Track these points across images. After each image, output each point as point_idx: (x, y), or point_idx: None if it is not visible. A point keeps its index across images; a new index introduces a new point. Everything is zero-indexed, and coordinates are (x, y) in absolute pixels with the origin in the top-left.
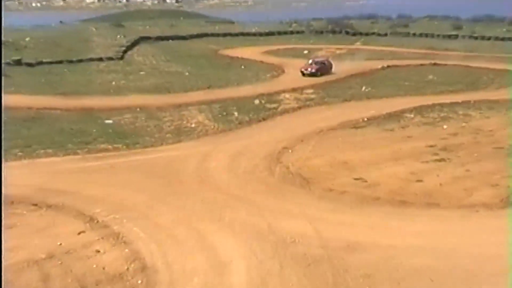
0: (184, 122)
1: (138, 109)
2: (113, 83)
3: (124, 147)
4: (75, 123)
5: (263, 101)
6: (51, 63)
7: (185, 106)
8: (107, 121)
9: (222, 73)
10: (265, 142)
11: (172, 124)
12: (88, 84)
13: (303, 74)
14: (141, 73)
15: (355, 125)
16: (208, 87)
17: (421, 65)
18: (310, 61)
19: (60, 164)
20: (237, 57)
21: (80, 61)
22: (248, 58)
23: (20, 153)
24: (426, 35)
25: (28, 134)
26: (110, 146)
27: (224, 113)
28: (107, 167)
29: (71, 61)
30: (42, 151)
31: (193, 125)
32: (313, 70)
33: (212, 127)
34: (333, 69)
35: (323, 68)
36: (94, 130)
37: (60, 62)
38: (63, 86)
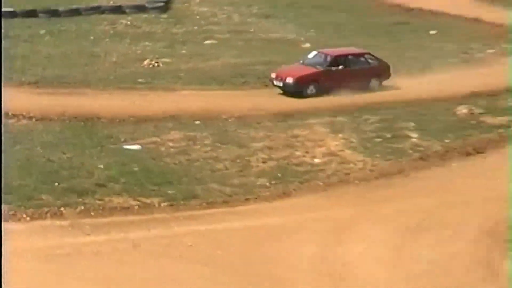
0: (297, 152)
1: (197, 121)
2: (145, 62)
3: (164, 204)
4: (58, 148)
5: (476, 110)
6: (14, 15)
7: (301, 117)
8: (127, 147)
9: (385, 44)
10: (477, 202)
11: (271, 157)
12: (90, 62)
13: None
14: (207, 42)
15: None
16: None
17: None
18: (312, 54)
19: (25, 238)
20: (420, 10)
21: (75, 12)
22: (443, 12)
23: None
24: None
25: None
26: (133, 202)
27: (387, 135)
28: (126, 248)
29: (55, 13)
30: None
31: (316, 160)
32: (290, 82)
33: (360, 165)
34: (383, 81)
35: (334, 77)
36: (100, 166)
37: (32, 14)
38: (36, 65)
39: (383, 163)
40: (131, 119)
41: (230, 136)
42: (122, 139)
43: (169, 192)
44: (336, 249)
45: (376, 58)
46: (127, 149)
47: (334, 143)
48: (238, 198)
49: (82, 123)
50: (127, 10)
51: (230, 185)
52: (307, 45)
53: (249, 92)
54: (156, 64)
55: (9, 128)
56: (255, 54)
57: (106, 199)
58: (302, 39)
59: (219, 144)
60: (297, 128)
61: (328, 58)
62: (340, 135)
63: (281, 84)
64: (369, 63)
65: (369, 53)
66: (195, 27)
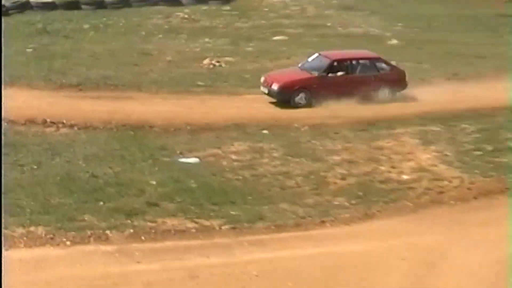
0: (382, 167)
1: (264, 130)
2: (205, 62)
3: (226, 227)
4: (104, 161)
5: None
6: (53, 7)
7: (386, 126)
8: (183, 160)
9: (485, 40)
10: None
11: (351, 172)
12: (141, 62)
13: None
14: (277, 38)
15: None
16: (449, 77)
17: None
18: (313, 57)
19: (65, 265)
20: None
21: (124, 3)
22: None
23: None
24: None
25: None
26: (190, 225)
27: (488, 147)
28: (182, 278)
29: (101, 5)
30: (20, 230)
31: (404, 177)
32: (275, 89)
33: (456, 182)
34: (397, 91)
35: (330, 85)
36: (152, 182)
37: (75, 5)
38: (79, 65)
39: (483, 180)
40: (188, 127)
41: (303, 148)
42: (178, 151)
43: (232, 213)
44: (427, 281)
45: (389, 65)
46: (183, 162)
47: (425, 157)
48: (312, 221)
49: (132, 132)
50: (184, 1)
51: (302, 205)
52: (394, 41)
53: None
54: (217, 64)
55: (47, 138)
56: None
57: (159, 220)
58: (388, 34)
59: (290, 157)
60: (382, 138)
61: (325, 63)
62: (433, 147)
63: (266, 91)
64: (378, 69)
65: (379, 58)
66: (263, 21)
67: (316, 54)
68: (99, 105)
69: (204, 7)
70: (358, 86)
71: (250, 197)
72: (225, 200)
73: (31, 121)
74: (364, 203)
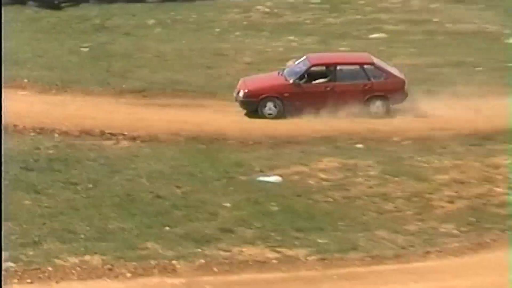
0: (498, 188)
1: (358, 144)
2: (289, 63)
3: (313, 257)
4: (171, 179)
5: None
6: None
7: (504, 140)
8: (263, 179)
9: None
10: None
11: (461, 195)
12: (215, 63)
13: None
14: (374, 35)
15: None
16: None
17: None
18: (299, 60)
19: None
20: None
21: None
22: None
23: (12, 266)
24: None
25: (36, 211)
26: (270, 254)
27: None
28: None
29: None
30: (73, 259)
31: None
32: (241, 96)
33: None
34: (395, 103)
35: (308, 94)
36: (227, 204)
37: None
38: (142, 67)
39: None
40: (269, 141)
41: (404, 166)
42: (257, 168)
43: (320, 241)
44: None
45: (385, 72)
46: (262, 181)
47: None
48: (415, 251)
49: (203, 146)
50: None
51: (403, 233)
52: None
53: (432, 104)
54: None
55: (105, 152)
56: (440, 52)
57: (234, 249)
58: (507, 31)
59: (389, 176)
60: (498, 154)
61: (304, 67)
62: None
63: (235, 99)
64: (369, 77)
65: (373, 63)
66: (358, 16)
67: (304, 57)
68: (166, 114)
69: (289, 0)
70: (343, 96)
71: (341, 223)
72: (312, 226)
73: (86, 133)
74: (477, 230)
